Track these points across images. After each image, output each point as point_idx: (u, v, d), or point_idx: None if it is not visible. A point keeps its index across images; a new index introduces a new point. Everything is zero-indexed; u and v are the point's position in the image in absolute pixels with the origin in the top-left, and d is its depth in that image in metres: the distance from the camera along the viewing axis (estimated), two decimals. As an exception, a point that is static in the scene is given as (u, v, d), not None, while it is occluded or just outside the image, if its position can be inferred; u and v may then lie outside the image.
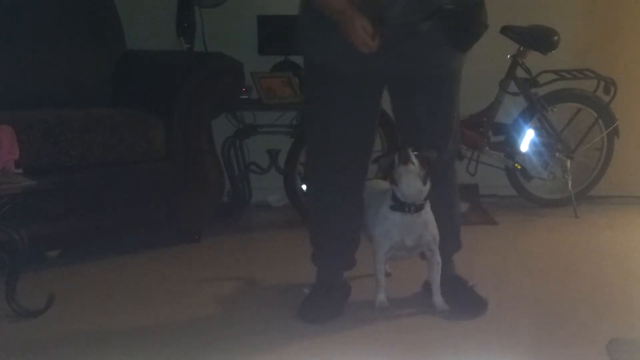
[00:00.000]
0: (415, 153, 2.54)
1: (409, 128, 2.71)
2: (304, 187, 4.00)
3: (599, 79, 4.21)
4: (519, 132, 4.16)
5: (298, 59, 4.25)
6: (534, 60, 4.12)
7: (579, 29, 4.42)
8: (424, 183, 2.58)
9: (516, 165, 4.19)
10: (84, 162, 3.22)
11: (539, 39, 4.02)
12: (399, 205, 2.60)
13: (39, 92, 3.58)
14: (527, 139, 4.16)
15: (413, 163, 2.53)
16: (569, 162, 4.20)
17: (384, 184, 2.77)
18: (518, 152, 4.17)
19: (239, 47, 4.18)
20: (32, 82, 3.59)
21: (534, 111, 4.16)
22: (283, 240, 3.80)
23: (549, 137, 4.20)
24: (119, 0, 3.94)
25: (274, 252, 3.62)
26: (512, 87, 4.16)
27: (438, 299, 2.71)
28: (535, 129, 4.18)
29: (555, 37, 3.99)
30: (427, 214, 2.64)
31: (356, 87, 2.57)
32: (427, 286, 2.89)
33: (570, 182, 4.20)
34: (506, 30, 4.00)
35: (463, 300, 2.72)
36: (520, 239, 3.81)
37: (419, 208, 2.60)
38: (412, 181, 2.56)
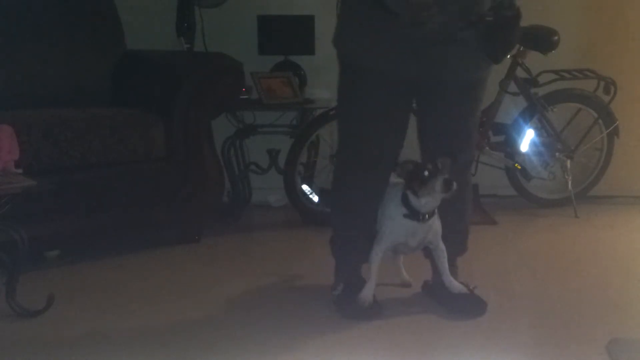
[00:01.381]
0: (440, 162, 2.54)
1: (429, 132, 2.74)
2: (304, 187, 4.01)
3: (599, 79, 4.20)
4: (519, 132, 4.15)
5: (298, 59, 4.27)
6: (534, 60, 4.11)
7: (579, 29, 4.42)
8: None
9: (516, 165, 4.19)
10: (84, 162, 3.22)
11: (539, 39, 4.01)
12: (414, 214, 2.61)
13: (39, 92, 3.58)
14: (527, 139, 4.16)
15: (452, 190, 2.52)
16: (569, 162, 4.20)
17: (392, 185, 2.76)
18: (518, 152, 4.17)
19: (239, 47, 4.17)
20: (32, 82, 3.59)
21: (534, 111, 4.16)
22: (283, 240, 3.79)
23: (549, 137, 4.20)
24: (119, 0, 3.94)
25: (273, 252, 3.62)
26: (512, 87, 4.15)
27: (450, 281, 2.73)
28: (535, 129, 4.18)
29: (555, 37, 3.99)
30: (434, 216, 2.67)
31: (390, 88, 2.59)
32: (427, 286, 2.90)
33: (570, 182, 4.20)
34: (506, 30, 3.99)
35: (462, 302, 2.72)
36: (520, 239, 3.81)
37: (431, 215, 2.63)
38: (437, 199, 2.58)
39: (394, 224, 2.65)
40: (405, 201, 2.62)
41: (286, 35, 4.28)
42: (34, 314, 2.69)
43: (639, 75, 4.43)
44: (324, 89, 4.20)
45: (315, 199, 4.00)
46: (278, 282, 3.12)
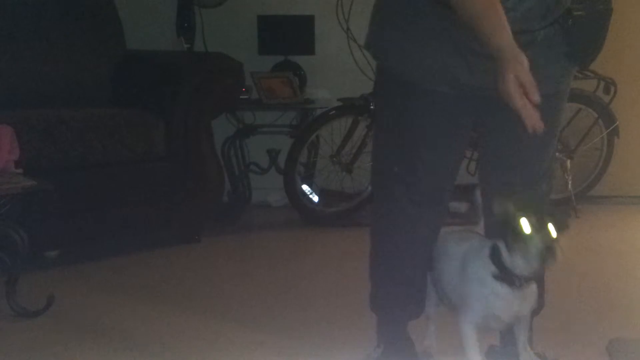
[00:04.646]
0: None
1: (497, 161, 2.18)
2: (304, 187, 4.01)
3: (599, 79, 4.20)
4: (519, 132, 4.15)
5: (298, 59, 4.27)
6: (534, 60, 4.11)
7: (579, 29, 4.42)
8: None
9: (516, 165, 4.18)
10: (84, 162, 3.23)
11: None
12: (506, 277, 1.96)
13: (39, 92, 3.58)
14: (527, 139, 4.15)
15: (553, 262, 1.93)
16: (569, 162, 4.20)
17: (472, 235, 2.17)
18: (518, 152, 4.17)
19: (239, 47, 4.18)
20: (32, 82, 3.59)
21: (534, 111, 4.15)
22: (283, 240, 3.80)
23: (549, 137, 4.20)
24: (119, 0, 3.95)
25: (273, 252, 3.62)
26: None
27: (528, 356, 2.15)
28: (535, 129, 4.18)
29: (556, 37, 3.99)
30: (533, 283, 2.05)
31: (446, 106, 2.06)
32: (494, 353, 2.30)
33: (570, 182, 4.20)
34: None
35: None
36: (520, 239, 3.80)
37: (529, 279, 2.00)
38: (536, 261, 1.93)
39: (484, 292, 1.99)
40: (495, 257, 1.98)
41: (286, 35, 4.29)
42: (34, 314, 2.69)
43: (639, 75, 4.44)
44: (324, 89, 4.20)
45: (315, 199, 4.00)
46: (278, 282, 3.12)
